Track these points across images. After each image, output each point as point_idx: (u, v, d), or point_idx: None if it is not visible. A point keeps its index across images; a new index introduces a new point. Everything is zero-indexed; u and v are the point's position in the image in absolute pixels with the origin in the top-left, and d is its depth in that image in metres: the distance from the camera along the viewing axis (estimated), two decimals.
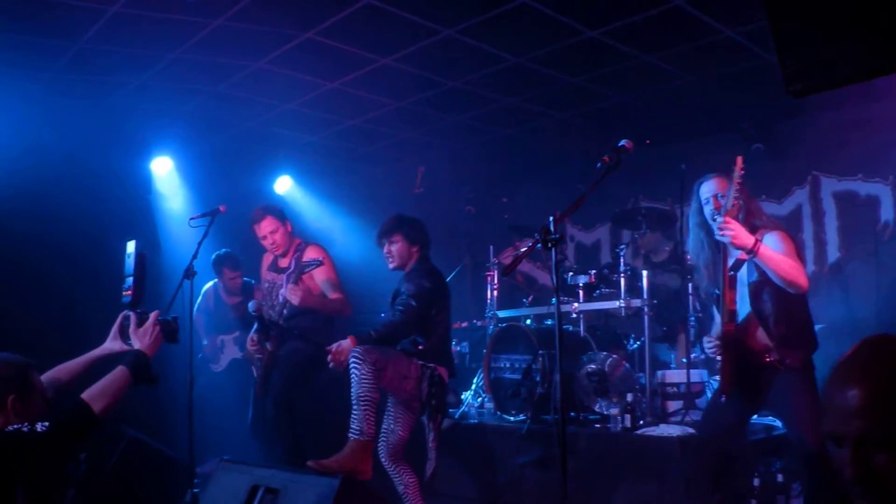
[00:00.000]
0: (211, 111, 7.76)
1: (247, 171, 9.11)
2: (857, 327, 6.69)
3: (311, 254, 5.99)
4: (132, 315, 3.40)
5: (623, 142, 3.86)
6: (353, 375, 4.72)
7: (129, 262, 3.54)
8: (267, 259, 6.42)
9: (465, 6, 5.75)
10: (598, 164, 3.80)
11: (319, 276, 5.88)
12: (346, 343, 4.92)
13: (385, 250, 5.43)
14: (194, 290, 5.75)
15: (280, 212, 6.29)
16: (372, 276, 7.90)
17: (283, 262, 6.19)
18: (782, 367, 4.26)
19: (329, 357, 4.94)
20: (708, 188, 4.52)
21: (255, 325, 5.88)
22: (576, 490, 5.33)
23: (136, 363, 3.21)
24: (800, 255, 4.35)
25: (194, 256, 5.70)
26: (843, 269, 7.72)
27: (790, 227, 8.06)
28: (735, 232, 4.00)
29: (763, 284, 4.26)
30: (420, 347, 5.16)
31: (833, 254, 7.85)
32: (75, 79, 6.81)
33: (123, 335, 3.47)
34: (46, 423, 2.85)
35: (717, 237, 4.08)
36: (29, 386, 3.08)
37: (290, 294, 5.75)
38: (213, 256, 7.43)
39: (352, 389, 4.71)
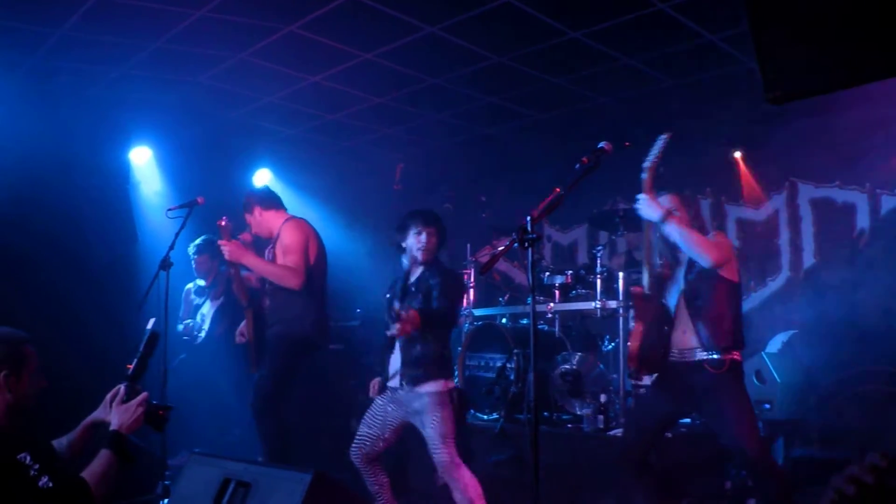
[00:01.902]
0: (192, 102, 7.72)
1: (226, 162, 9.05)
2: (830, 332, 6.74)
3: (284, 231, 5.79)
4: (122, 388, 3.40)
5: (602, 144, 3.87)
6: (436, 416, 4.63)
7: (143, 339, 3.56)
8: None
9: (448, 4, 5.77)
10: (577, 166, 3.81)
11: (283, 240, 5.72)
12: (413, 314, 4.59)
13: (416, 239, 4.98)
14: (170, 281, 5.67)
15: (246, 203, 5.95)
16: (348, 270, 7.90)
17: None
18: (711, 369, 4.32)
19: (398, 325, 4.57)
20: (665, 202, 4.55)
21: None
22: (548, 490, 5.34)
23: (117, 445, 3.27)
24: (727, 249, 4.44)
25: (171, 247, 5.64)
26: (818, 274, 7.78)
27: (767, 233, 8.15)
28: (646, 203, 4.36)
29: (699, 282, 4.37)
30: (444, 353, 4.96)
31: (808, 259, 7.92)
32: (56, 67, 6.76)
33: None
34: (50, 484, 2.90)
35: (637, 209, 4.36)
36: (22, 361, 3.10)
37: (223, 247, 5.57)
38: (201, 240, 7.27)
39: (433, 429, 4.64)
